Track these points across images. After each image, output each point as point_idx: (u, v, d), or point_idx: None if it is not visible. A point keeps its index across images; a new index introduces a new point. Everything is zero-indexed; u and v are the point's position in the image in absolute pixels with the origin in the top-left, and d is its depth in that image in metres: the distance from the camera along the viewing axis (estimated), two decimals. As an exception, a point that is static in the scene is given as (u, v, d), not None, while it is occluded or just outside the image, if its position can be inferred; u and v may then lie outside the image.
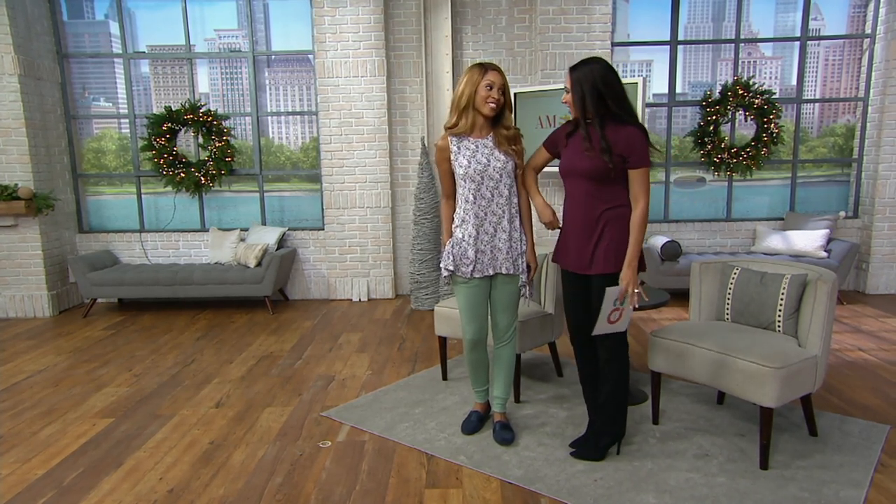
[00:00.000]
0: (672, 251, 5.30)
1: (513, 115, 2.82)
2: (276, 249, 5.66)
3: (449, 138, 2.67)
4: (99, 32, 6.01)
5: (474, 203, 2.65)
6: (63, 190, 5.82)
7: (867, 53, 5.74)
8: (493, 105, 2.58)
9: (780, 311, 2.78)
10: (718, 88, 5.76)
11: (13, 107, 5.27)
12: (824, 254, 5.23)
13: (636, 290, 2.40)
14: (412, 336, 4.66)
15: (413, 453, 2.76)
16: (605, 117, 2.39)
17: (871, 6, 5.64)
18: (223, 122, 5.83)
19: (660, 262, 5.35)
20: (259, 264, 5.43)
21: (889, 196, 5.57)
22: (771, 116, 5.63)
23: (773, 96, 5.70)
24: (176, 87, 6.02)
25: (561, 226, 2.66)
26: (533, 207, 2.72)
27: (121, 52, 5.89)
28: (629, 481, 2.45)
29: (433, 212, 5.36)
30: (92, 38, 6.01)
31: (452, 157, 2.66)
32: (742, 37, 5.78)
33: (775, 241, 5.49)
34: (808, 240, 5.30)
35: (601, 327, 2.42)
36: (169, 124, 5.74)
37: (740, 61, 5.83)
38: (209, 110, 5.79)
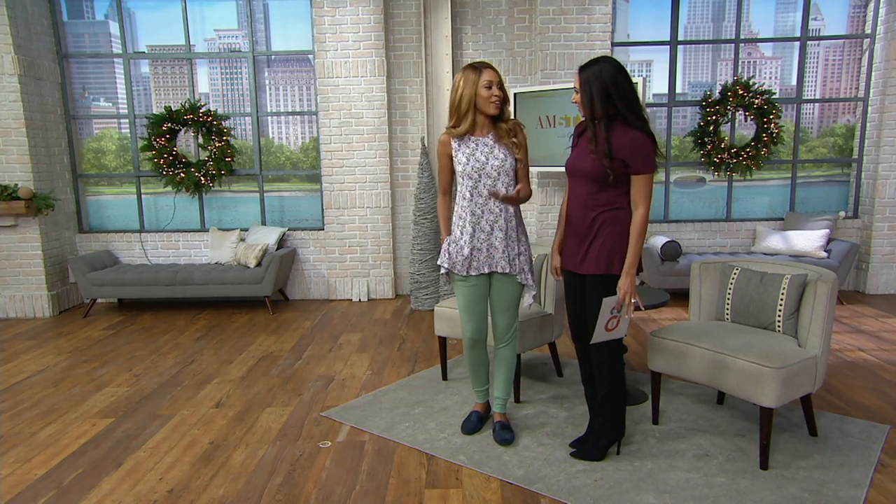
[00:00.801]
0: (672, 251, 5.30)
1: (511, 109, 2.84)
2: (276, 249, 5.66)
3: (450, 135, 2.68)
4: (99, 32, 6.01)
5: (471, 200, 2.65)
6: (63, 190, 5.82)
7: (867, 53, 5.74)
8: (496, 103, 2.59)
9: (780, 311, 2.78)
10: (718, 88, 5.76)
11: (13, 107, 5.27)
12: (824, 254, 5.23)
13: (633, 300, 2.39)
14: (412, 336, 4.66)
15: (413, 453, 2.76)
16: (614, 119, 2.37)
17: (871, 6, 5.64)
18: (223, 123, 5.83)
19: (660, 262, 5.35)
20: (259, 264, 5.43)
21: (889, 196, 5.57)
22: (771, 116, 5.63)
23: (773, 96, 5.70)
24: (176, 87, 6.02)
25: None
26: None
27: (121, 52, 5.89)
28: (629, 481, 2.45)
29: (433, 212, 5.36)
30: (92, 38, 6.01)
31: (453, 154, 2.67)
32: (742, 37, 5.78)
33: (775, 241, 5.49)
34: (808, 240, 5.30)
35: (599, 335, 2.42)
36: (169, 124, 5.74)
37: (740, 61, 5.83)
38: (209, 110, 5.79)
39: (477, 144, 2.65)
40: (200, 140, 5.88)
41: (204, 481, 2.56)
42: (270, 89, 6.06)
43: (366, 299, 5.90)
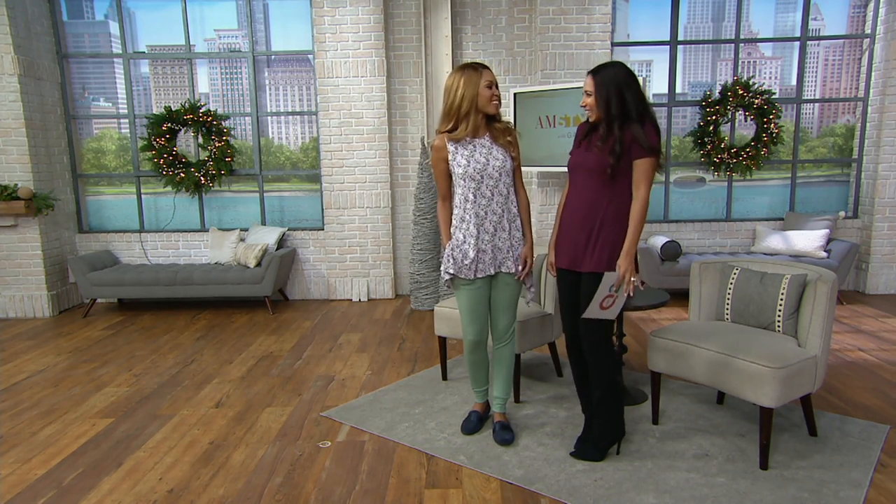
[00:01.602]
0: (672, 251, 5.30)
1: (510, 113, 2.84)
2: (276, 249, 5.66)
3: (446, 138, 2.65)
4: (99, 32, 6.01)
5: (474, 202, 2.64)
6: (63, 190, 5.82)
7: (867, 53, 5.74)
8: (496, 103, 2.61)
9: (779, 311, 2.78)
10: (718, 88, 5.76)
11: (13, 107, 5.27)
12: (824, 254, 5.23)
13: (632, 280, 2.41)
14: (412, 336, 4.66)
15: (413, 453, 2.76)
16: (626, 118, 2.41)
17: (871, 6, 5.64)
18: (223, 122, 5.83)
19: (660, 262, 5.35)
20: (259, 264, 5.43)
21: (889, 196, 5.57)
22: (771, 116, 5.63)
23: (773, 96, 5.70)
24: (176, 87, 6.02)
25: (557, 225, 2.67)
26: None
27: (121, 52, 5.89)
28: (629, 481, 2.45)
29: (433, 212, 5.36)
30: (92, 38, 6.01)
31: (450, 158, 2.65)
32: (742, 37, 5.78)
33: (775, 241, 5.49)
34: (808, 240, 5.30)
35: (592, 311, 2.42)
36: (169, 124, 5.74)
37: (740, 61, 5.83)
38: (209, 110, 5.79)
39: (475, 146, 2.64)
40: (200, 140, 5.88)
41: (204, 481, 2.56)
42: (270, 89, 6.06)
43: (366, 299, 5.90)
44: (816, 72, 5.93)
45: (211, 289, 5.41)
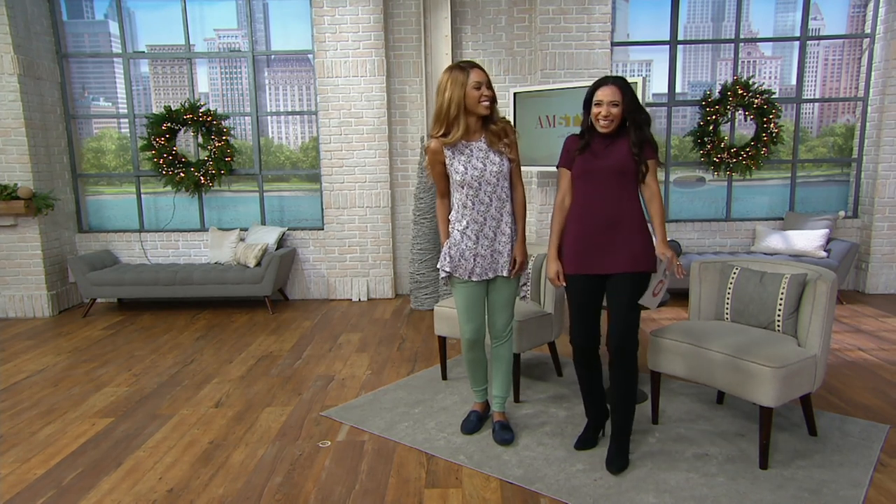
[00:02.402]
0: (672, 251, 5.30)
1: (511, 110, 2.83)
2: (276, 249, 5.66)
3: (440, 143, 2.61)
4: (98, 32, 6.01)
5: (473, 209, 2.63)
6: (63, 190, 5.82)
7: (867, 53, 5.74)
8: (486, 104, 2.54)
9: (779, 310, 2.78)
10: (718, 88, 5.76)
11: (13, 107, 5.27)
12: (824, 253, 5.23)
13: (676, 262, 2.49)
14: (412, 336, 4.66)
15: (413, 453, 2.76)
16: (642, 122, 2.50)
17: (871, 6, 5.64)
18: (223, 122, 5.83)
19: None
20: (259, 264, 5.43)
21: (889, 196, 5.57)
22: (770, 116, 5.63)
23: (773, 96, 5.70)
24: (175, 86, 6.02)
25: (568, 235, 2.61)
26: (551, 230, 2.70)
27: (120, 51, 5.89)
28: (629, 481, 2.45)
29: (433, 211, 5.36)
30: (91, 37, 6.01)
31: (447, 162, 2.62)
32: (742, 37, 5.78)
33: (775, 240, 5.48)
34: (808, 239, 5.30)
35: (647, 299, 2.50)
36: (168, 124, 5.74)
37: (740, 61, 5.83)
38: (209, 110, 5.79)
39: (472, 151, 2.60)
40: (200, 140, 5.88)
41: (203, 481, 2.56)
42: (270, 89, 6.06)
43: (365, 299, 5.90)
44: (816, 71, 5.93)
45: (211, 289, 5.40)
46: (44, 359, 4.29)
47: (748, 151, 5.69)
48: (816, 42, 5.86)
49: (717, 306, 3.07)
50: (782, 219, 5.87)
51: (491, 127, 2.61)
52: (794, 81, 5.85)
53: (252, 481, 2.54)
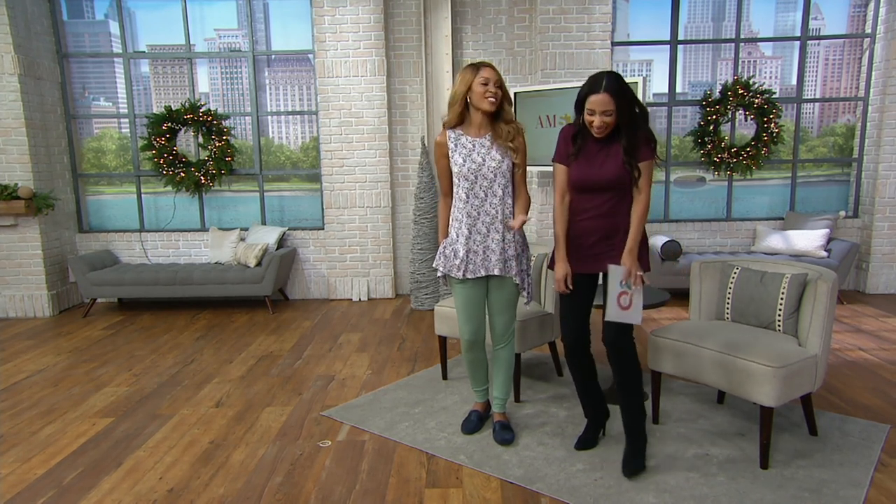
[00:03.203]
0: (672, 251, 5.30)
1: (512, 109, 2.83)
2: (276, 249, 5.66)
3: (447, 133, 2.66)
4: (99, 32, 6.01)
5: (467, 202, 2.64)
6: (63, 190, 5.82)
7: (867, 53, 5.74)
8: (492, 100, 2.57)
9: (780, 310, 2.78)
10: (718, 88, 5.76)
11: (13, 106, 5.27)
12: (824, 253, 5.22)
13: (639, 273, 2.40)
14: (412, 336, 4.66)
15: (413, 453, 2.76)
16: (636, 125, 2.39)
17: (871, 6, 5.64)
18: (223, 122, 5.83)
19: (660, 261, 5.35)
20: (259, 264, 5.43)
21: (889, 196, 5.57)
22: (771, 116, 5.63)
23: (773, 96, 5.70)
24: (176, 86, 6.02)
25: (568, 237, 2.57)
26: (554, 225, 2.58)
27: (121, 51, 5.89)
28: (629, 481, 2.45)
29: (433, 211, 5.36)
30: (92, 37, 6.01)
31: (449, 154, 2.66)
32: (742, 36, 5.78)
33: (775, 240, 5.48)
34: (808, 239, 5.30)
35: (613, 312, 2.39)
36: (169, 124, 5.74)
37: (740, 61, 5.82)
38: (209, 110, 5.79)
39: (474, 145, 2.64)
40: (200, 140, 5.88)
41: (204, 481, 2.56)
42: (270, 89, 6.06)
43: (366, 299, 5.90)
44: (817, 71, 5.93)
45: (211, 288, 5.40)
46: (44, 359, 4.29)
47: (748, 151, 5.69)
48: (817, 42, 5.86)
49: (717, 306, 3.07)
50: (783, 219, 5.87)
51: (501, 124, 2.62)
52: (794, 81, 5.84)
53: (252, 481, 2.54)
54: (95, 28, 6.01)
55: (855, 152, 5.90)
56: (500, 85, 2.59)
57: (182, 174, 5.81)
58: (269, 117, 6.05)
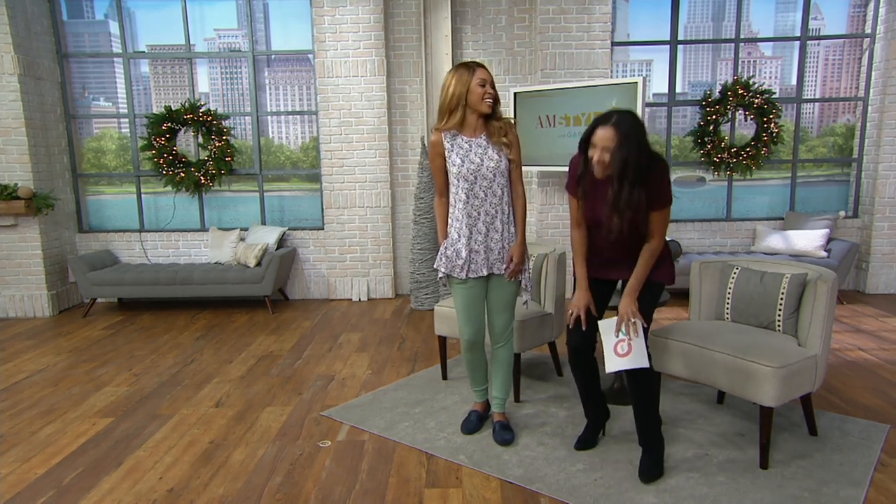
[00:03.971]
0: (672, 251, 5.30)
1: (510, 110, 2.82)
2: (276, 249, 5.66)
3: (442, 134, 2.65)
4: (99, 32, 6.01)
5: (467, 202, 2.64)
6: (63, 190, 5.82)
7: (867, 53, 5.74)
8: (490, 101, 2.58)
9: (779, 310, 2.78)
10: (718, 88, 5.76)
11: (13, 106, 5.27)
12: (824, 253, 5.22)
13: (633, 320, 2.35)
14: (412, 336, 4.66)
15: (413, 453, 2.76)
16: (642, 177, 2.22)
17: (871, 6, 5.64)
18: (223, 122, 5.83)
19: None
20: (259, 264, 5.43)
21: (889, 196, 5.57)
22: (771, 116, 5.63)
23: (773, 96, 5.70)
24: (176, 86, 6.02)
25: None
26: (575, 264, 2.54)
27: (121, 51, 5.89)
28: (629, 481, 2.45)
29: (433, 211, 5.35)
30: (92, 37, 6.01)
31: (446, 155, 2.65)
32: (742, 36, 5.78)
33: (775, 240, 5.48)
34: (808, 239, 5.30)
35: (613, 363, 2.37)
36: (169, 124, 5.74)
37: (740, 61, 5.82)
38: (209, 110, 5.79)
39: (470, 146, 2.63)
40: (200, 140, 5.88)
41: (204, 481, 2.56)
42: (270, 89, 6.06)
43: (366, 299, 5.90)
44: (816, 71, 5.93)
45: (211, 288, 5.40)
46: (44, 358, 4.29)
47: (748, 151, 5.69)
48: (817, 42, 5.86)
49: (717, 306, 3.07)
50: (782, 219, 5.87)
51: (493, 123, 2.63)
52: (794, 81, 5.85)
53: (252, 481, 2.54)
54: (95, 28, 6.01)
55: (855, 152, 5.90)
56: (493, 85, 2.61)
57: (182, 174, 5.81)
58: (269, 117, 6.05)
